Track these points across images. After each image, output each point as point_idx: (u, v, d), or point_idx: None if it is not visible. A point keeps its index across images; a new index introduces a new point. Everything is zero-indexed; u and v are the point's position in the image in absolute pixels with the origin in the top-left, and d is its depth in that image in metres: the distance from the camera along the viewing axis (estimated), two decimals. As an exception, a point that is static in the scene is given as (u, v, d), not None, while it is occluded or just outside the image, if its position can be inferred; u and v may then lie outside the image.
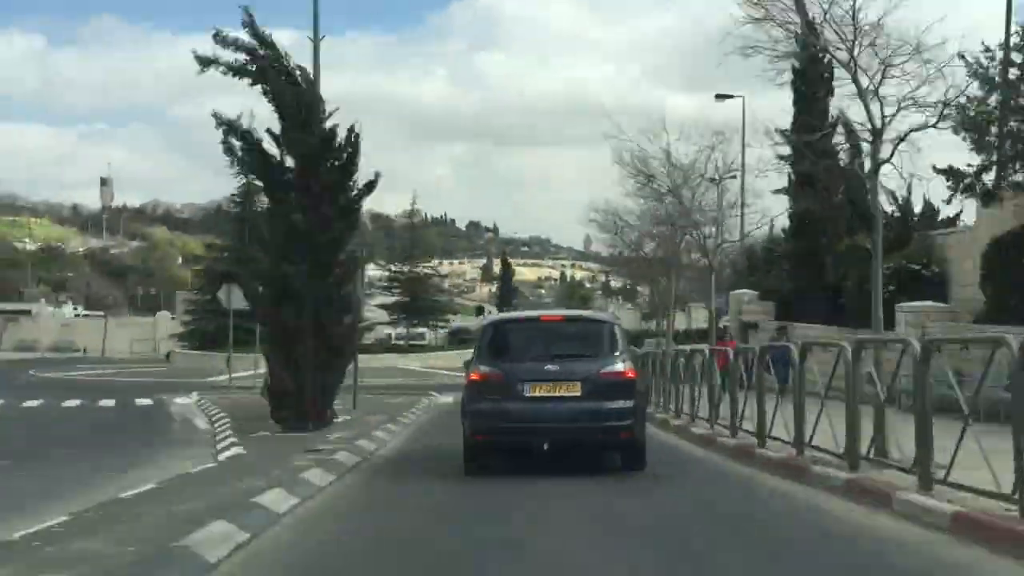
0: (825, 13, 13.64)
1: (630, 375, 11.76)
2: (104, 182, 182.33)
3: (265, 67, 16.68)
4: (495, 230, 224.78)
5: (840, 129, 21.24)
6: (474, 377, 11.76)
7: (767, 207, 47.29)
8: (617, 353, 11.82)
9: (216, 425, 19.23)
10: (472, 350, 12.83)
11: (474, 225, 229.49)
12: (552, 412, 11.35)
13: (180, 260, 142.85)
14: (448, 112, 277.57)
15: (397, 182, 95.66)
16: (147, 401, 28.62)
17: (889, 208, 29.44)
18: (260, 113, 17.19)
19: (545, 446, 11.59)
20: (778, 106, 37.24)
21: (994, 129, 22.07)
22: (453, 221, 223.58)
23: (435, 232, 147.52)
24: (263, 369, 20.54)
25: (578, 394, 11.40)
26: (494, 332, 12.34)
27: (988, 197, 22.56)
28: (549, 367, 11.50)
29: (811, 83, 29.53)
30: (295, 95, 16.85)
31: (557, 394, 11.42)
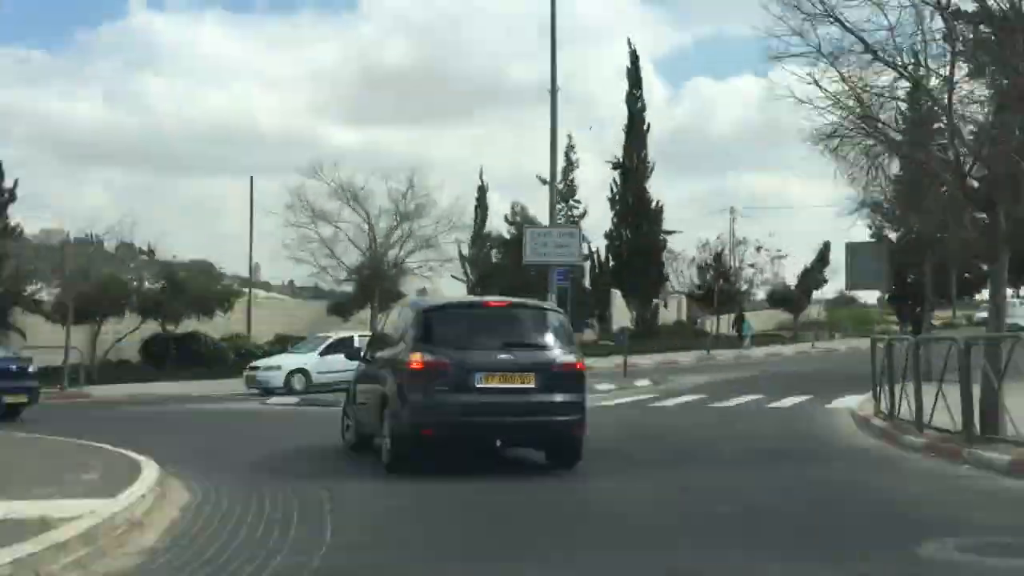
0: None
1: (581, 367, 11.19)
2: None
3: None
4: (151, 252, 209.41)
5: None
6: (414, 365, 10.65)
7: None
8: (570, 344, 11.28)
9: None
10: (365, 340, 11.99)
11: (127, 246, 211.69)
12: (506, 405, 10.56)
13: None
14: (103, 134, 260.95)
15: (46, 203, 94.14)
16: None
17: None
18: None
19: (498, 441, 10.92)
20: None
21: None
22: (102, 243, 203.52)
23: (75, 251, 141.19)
24: None
25: (532, 386, 10.67)
26: (432, 317, 11.33)
27: None
28: (502, 356, 10.73)
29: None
30: None
31: (511, 385, 10.64)
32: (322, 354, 28.01)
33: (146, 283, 34.17)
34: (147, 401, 25.49)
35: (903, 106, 13.83)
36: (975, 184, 13.05)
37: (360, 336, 25.50)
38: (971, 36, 13.07)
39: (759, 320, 59.06)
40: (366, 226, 36.51)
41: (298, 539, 7.32)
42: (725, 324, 54.28)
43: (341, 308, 40.47)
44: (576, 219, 47.88)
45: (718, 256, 51.62)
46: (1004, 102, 12.73)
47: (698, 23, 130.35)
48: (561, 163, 40.40)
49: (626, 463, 12.03)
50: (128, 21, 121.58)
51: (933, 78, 12.99)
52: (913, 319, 37.35)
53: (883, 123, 13.44)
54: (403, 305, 12.81)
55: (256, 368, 28.68)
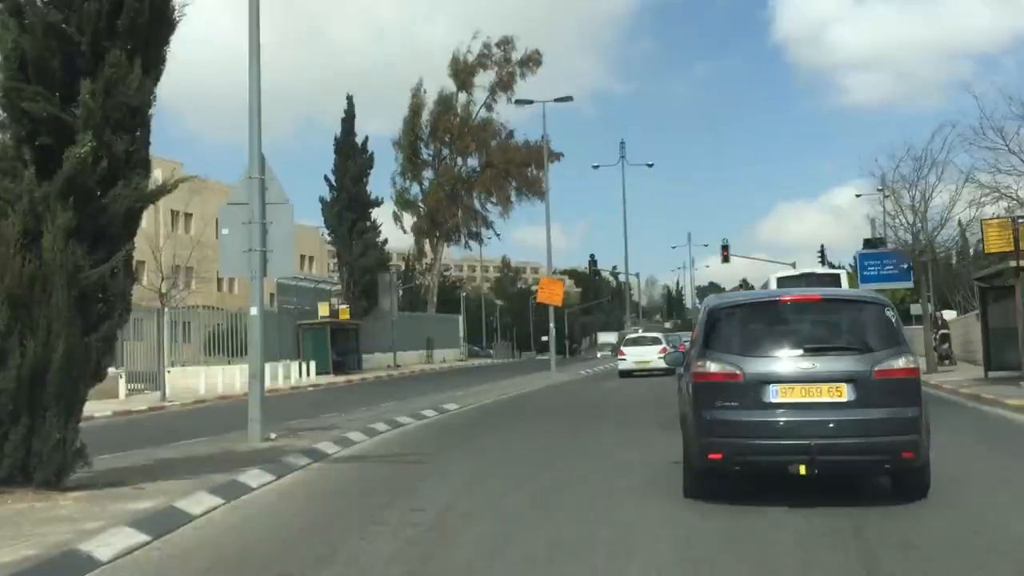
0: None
1: (914, 374, 8.82)
2: None
3: None
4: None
5: None
6: (697, 376, 8.98)
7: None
8: (897, 345, 8.88)
9: None
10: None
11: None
12: (808, 424, 8.55)
13: None
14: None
15: None
16: None
17: None
18: None
19: (802, 470, 8.67)
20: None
21: None
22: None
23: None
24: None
25: (844, 399, 8.57)
26: (720, 317, 9.39)
27: None
28: (804, 364, 8.72)
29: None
30: None
31: (816, 399, 8.61)
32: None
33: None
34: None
35: None
36: None
37: None
38: None
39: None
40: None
41: None
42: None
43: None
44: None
45: None
46: None
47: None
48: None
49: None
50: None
51: None
52: None
53: None
54: (705, 301, 10.69)
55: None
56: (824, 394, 8.59)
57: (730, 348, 8.99)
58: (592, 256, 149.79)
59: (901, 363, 8.73)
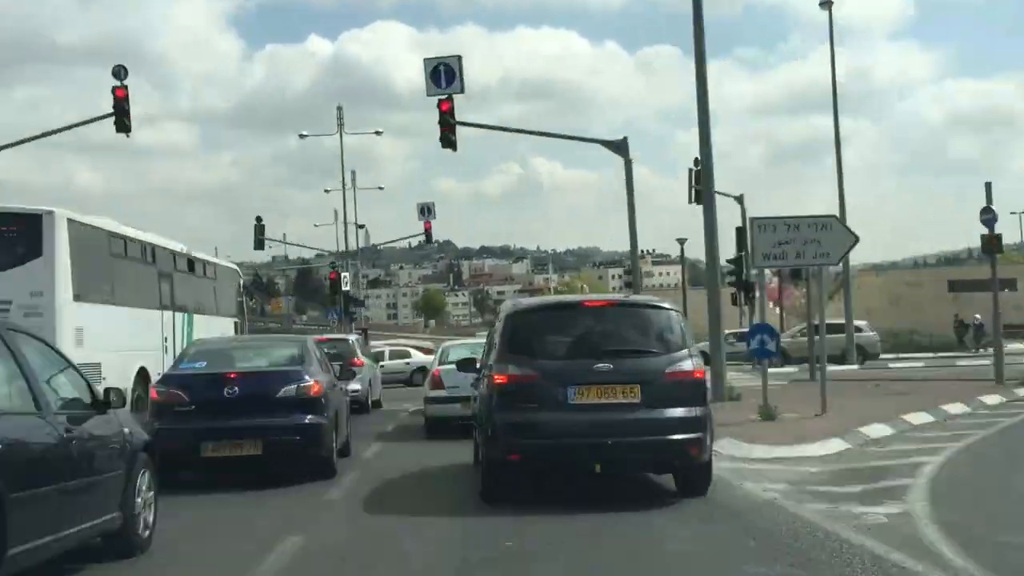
0: None
1: (699, 375, 9.60)
2: None
3: None
4: None
5: None
6: (499, 379, 9.37)
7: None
8: (685, 348, 9.58)
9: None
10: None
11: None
12: (606, 424, 9.11)
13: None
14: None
15: None
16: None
17: None
18: None
19: (597, 467, 9.42)
20: None
21: None
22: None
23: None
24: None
25: (637, 400, 9.18)
26: (520, 322, 9.86)
27: None
28: (600, 366, 9.21)
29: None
30: None
31: (611, 400, 9.18)
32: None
33: None
34: None
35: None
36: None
37: None
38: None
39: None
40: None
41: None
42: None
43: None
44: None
45: None
46: None
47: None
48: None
49: None
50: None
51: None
52: None
53: None
54: (502, 307, 11.10)
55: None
56: (619, 395, 9.21)
57: (530, 352, 9.47)
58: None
59: (689, 365, 9.46)
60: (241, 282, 27.94)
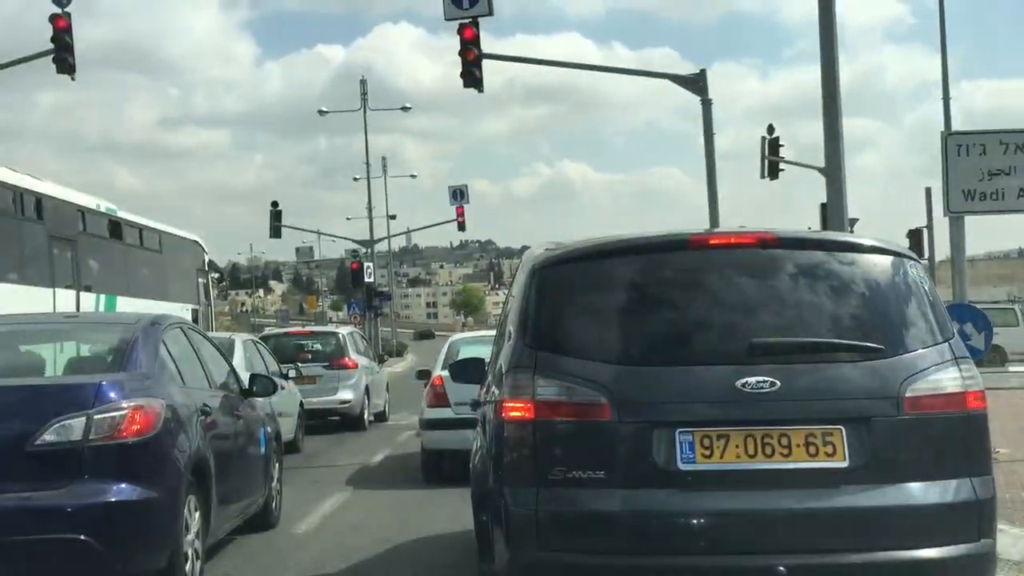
0: None
1: (980, 403, 4.32)
2: None
3: None
4: None
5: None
6: (515, 411, 4.32)
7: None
8: (941, 342, 4.38)
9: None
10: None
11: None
12: (768, 522, 4.11)
13: None
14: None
15: None
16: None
17: None
18: None
19: None
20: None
21: None
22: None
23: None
24: None
25: (841, 464, 4.12)
26: (557, 284, 4.56)
27: None
28: (748, 382, 4.13)
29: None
30: None
31: (778, 464, 4.11)
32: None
33: None
34: None
35: None
36: None
37: None
38: None
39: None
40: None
41: None
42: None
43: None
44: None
45: None
46: None
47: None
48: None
49: None
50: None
51: None
52: None
53: None
54: (525, 258, 5.31)
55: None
56: (797, 452, 4.10)
57: (586, 350, 4.35)
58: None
59: (954, 378, 4.26)
60: (206, 259, 22.09)
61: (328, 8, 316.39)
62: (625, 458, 4.18)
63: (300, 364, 16.11)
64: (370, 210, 48.42)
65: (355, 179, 53.56)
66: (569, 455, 4.20)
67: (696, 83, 20.57)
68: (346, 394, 16.73)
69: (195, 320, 18.21)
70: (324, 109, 49.76)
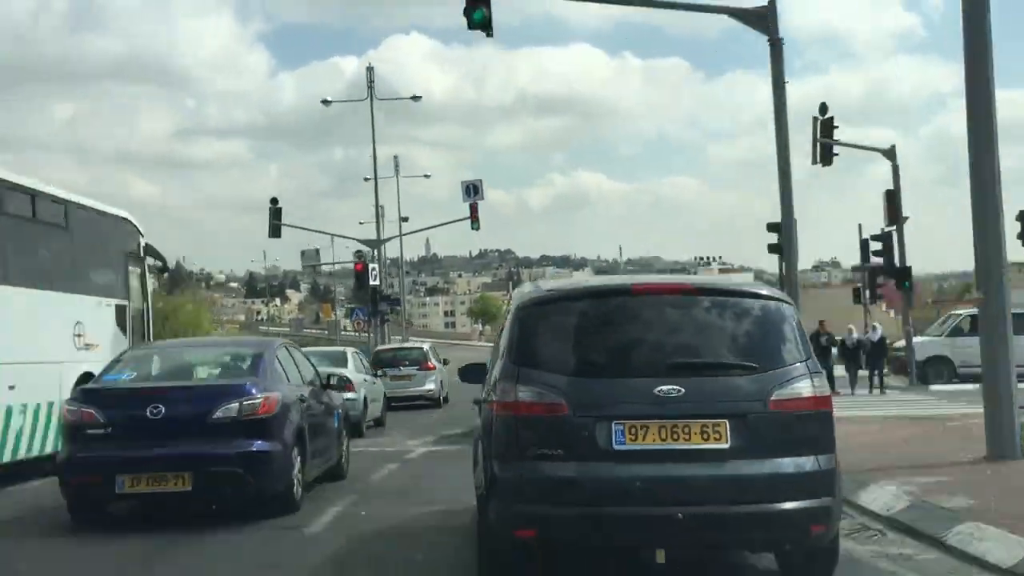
0: None
1: (824, 403, 6.17)
2: None
3: None
4: None
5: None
6: (502, 408, 6.11)
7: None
8: (801, 361, 6.19)
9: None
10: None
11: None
12: (674, 484, 5.86)
13: None
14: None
15: None
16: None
17: None
18: None
19: (660, 556, 6.18)
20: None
21: None
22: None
23: None
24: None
25: (726, 445, 5.89)
26: (535, 318, 6.35)
27: None
28: (664, 389, 5.93)
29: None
30: None
31: (682, 445, 5.90)
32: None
33: None
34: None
35: None
36: None
37: None
38: None
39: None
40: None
41: None
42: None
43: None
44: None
45: None
46: None
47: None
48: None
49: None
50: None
51: None
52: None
53: None
54: (514, 295, 7.37)
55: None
56: (695, 437, 5.90)
57: (551, 365, 6.12)
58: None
59: (807, 387, 6.08)
60: (141, 243, 16.83)
61: (338, 20, 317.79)
62: (577, 441, 5.91)
63: (400, 367, 26.93)
64: (377, 205, 46.05)
65: (365, 179, 53.49)
66: (539, 438, 5.95)
67: (762, 20, 17.62)
68: (430, 385, 27.38)
69: (120, 320, 15.42)
70: (328, 99, 44.23)
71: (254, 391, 9.29)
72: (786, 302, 6.56)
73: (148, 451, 8.83)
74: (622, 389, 6.00)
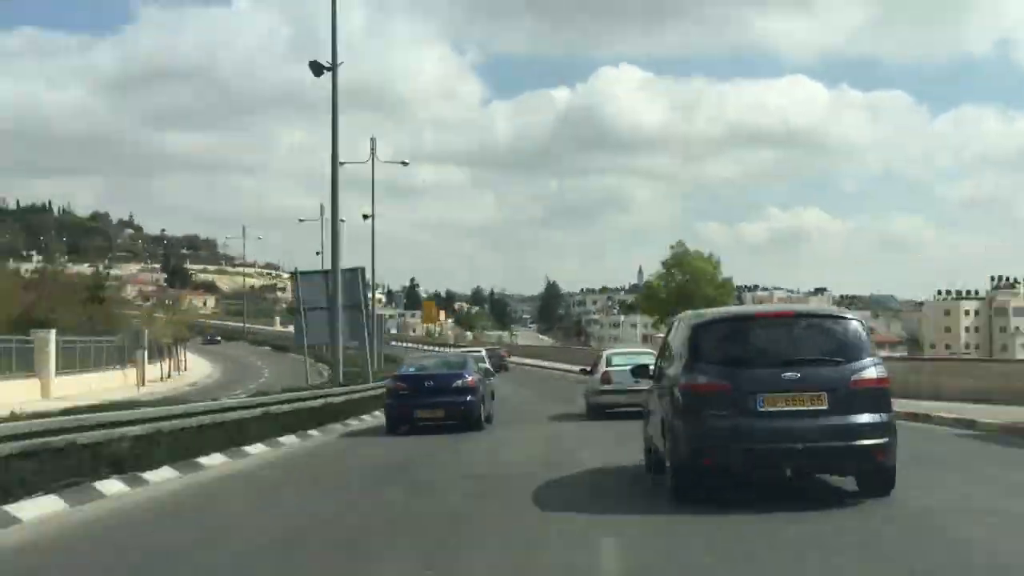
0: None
1: (884, 383, 9.57)
2: None
3: None
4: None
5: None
6: (691, 387, 9.58)
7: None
8: (869, 356, 9.72)
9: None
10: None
11: None
12: (794, 430, 9.26)
13: None
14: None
15: None
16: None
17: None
18: None
19: (788, 472, 9.87)
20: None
21: None
22: None
23: None
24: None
25: (825, 407, 9.30)
26: (703, 333, 9.99)
27: None
28: (787, 375, 9.37)
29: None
30: None
31: (799, 407, 9.31)
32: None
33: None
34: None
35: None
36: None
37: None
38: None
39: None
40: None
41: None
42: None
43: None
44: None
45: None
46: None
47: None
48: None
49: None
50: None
51: None
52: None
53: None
54: (682, 318, 11.03)
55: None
56: (806, 402, 9.27)
57: (717, 361, 9.59)
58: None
59: (873, 373, 9.47)
60: None
61: (552, 51, 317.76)
62: (736, 406, 9.21)
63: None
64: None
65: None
66: (713, 405, 9.31)
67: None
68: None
69: None
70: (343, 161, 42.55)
71: (467, 375, 20.52)
72: (857, 319, 10.14)
73: (427, 399, 19.98)
74: (761, 375, 9.38)
